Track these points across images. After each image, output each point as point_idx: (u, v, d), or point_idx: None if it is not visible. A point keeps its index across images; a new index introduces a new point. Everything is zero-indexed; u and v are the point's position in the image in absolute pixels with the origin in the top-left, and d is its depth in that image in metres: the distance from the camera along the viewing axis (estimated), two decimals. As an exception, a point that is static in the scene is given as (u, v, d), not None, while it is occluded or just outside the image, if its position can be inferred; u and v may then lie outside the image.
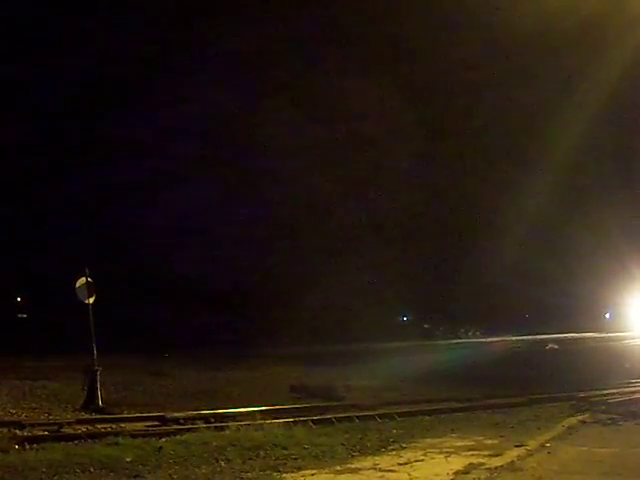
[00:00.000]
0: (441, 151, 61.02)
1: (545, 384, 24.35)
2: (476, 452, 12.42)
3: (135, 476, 11.02)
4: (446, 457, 12.13)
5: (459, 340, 52.09)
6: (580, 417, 16.41)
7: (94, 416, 17.46)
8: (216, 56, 62.69)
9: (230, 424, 15.66)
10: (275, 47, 60.61)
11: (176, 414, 16.99)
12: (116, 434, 14.41)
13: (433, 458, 12.10)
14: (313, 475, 10.93)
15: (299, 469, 11.40)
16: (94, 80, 60.09)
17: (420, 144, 58.38)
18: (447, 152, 61.05)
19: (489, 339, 51.84)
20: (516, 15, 35.59)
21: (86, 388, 19.02)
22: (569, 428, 14.75)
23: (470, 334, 57.00)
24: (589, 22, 33.34)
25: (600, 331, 47.83)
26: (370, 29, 61.57)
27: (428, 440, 14.04)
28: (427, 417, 18.15)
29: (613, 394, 21.20)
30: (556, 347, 42.09)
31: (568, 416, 16.81)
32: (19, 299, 62.15)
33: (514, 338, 50.05)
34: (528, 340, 48.46)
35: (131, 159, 60.80)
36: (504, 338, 50.47)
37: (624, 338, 41.48)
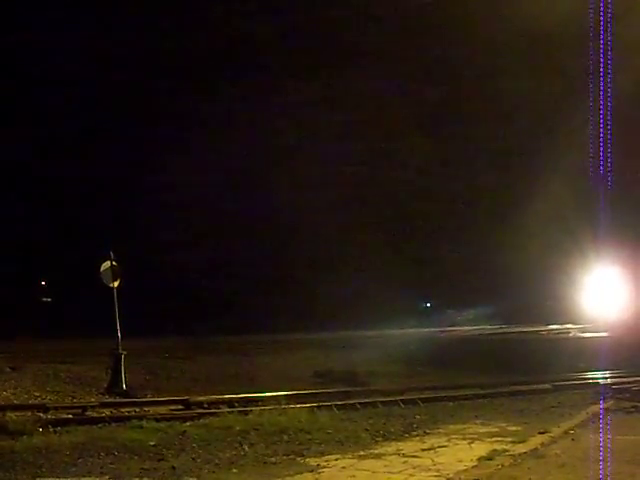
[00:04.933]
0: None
1: (568, 371, 24.19)
2: (500, 438, 12.44)
3: (159, 460, 11.10)
4: (470, 443, 12.15)
5: (482, 327, 51.95)
6: (604, 404, 16.34)
7: (118, 399, 17.61)
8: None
9: (254, 408, 15.75)
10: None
11: (200, 398, 17.07)
12: (140, 418, 14.54)
13: (457, 444, 12.13)
14: (337, 460, 10.98)
15: (322, 454, 11.46)
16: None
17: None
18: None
19: (512, 327, 51.62)
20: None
21: (110, 372, 19.17)
22: (593, 415, 14.70)
23: (493, 322, 56.73)
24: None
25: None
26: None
27: (451, 426, 14.07)
28: (450, 403, 18.09)
29: (637, 381, 21.05)
30: (580, 335, 41.88)
31: (592, 403, 16.74)
32: (43, 283, 62.48)
33: (537, 327, 49.81)
34: (551, 328, 48.22)
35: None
36: (527, 326, 50.25)
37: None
